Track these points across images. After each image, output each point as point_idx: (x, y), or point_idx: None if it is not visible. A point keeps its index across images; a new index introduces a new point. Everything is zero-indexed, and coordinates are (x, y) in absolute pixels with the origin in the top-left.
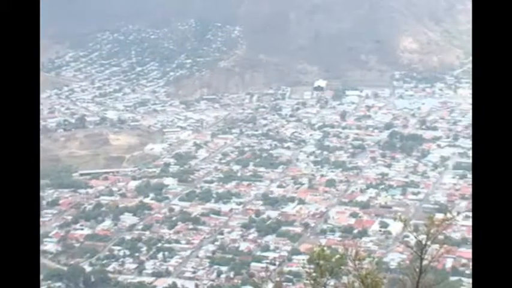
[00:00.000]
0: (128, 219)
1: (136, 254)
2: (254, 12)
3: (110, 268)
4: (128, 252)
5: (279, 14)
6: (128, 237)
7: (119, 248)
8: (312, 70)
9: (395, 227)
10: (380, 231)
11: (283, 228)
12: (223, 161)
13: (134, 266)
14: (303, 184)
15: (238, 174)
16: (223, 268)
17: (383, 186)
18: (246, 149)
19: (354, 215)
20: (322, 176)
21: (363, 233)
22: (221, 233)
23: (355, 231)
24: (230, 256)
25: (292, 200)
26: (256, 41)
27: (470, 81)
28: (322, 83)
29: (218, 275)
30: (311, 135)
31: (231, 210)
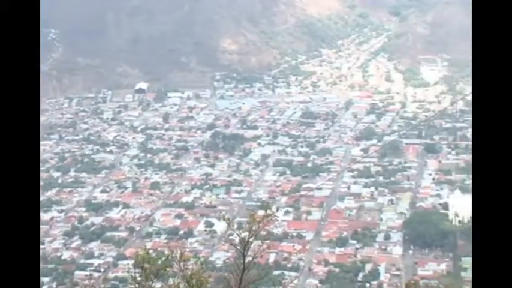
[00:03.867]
0: None
1: None
2: (70, 14)
3: None
4: None
5: (97, 16)
6: None
7: None
8: (132, 73)
9: (220, 226)
10: (205, 231)
11: (108, 233)
12: (42, 168)
13: None
14: (127, 188)
15: (59, 181)
16: (45, 279)
17: (207, 186)
18: (67, 154)
19: (179, 216)
20: (146, 178)
21: (189, 233)
22: (42, 243)
23: (181, 232)
24: (52, 266)
25: (116, 204)
26: (74, 44)
27: (287, 80)
28: (143, 85)
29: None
30: (134, 138)
31: (52, 218)
